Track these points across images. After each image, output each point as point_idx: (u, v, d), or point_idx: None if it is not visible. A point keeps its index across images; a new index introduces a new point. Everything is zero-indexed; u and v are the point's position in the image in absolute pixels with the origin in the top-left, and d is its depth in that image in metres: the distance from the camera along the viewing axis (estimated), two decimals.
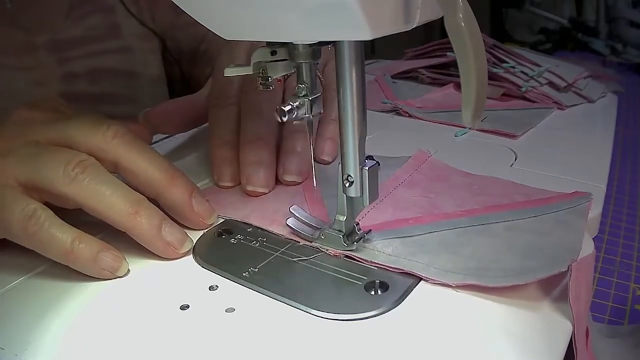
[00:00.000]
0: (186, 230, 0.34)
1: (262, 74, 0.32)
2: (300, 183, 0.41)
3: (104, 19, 0.65)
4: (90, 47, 0.63)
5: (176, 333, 0.27)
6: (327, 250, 0.33)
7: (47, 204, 0.32)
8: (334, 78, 0.30)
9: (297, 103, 0.32)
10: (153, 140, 0.48)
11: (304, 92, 0.32)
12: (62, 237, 0.30)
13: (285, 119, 0.31)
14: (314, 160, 0.36)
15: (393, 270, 0.30)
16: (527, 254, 0.30)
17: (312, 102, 0.32)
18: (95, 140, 0.33)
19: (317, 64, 0.43)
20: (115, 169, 0.34)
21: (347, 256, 0.32)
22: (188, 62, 0.73)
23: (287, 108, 0.31)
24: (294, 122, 0.32)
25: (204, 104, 0.47)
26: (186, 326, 0.28)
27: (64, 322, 0.28)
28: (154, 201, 0.34)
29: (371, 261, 0.31)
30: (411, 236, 0.33)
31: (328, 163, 0.45)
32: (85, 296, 0.30)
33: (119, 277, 0.31)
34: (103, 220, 0.32)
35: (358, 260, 0.32)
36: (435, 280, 0.29)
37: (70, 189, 0.31)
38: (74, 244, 0.30)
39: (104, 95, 0.64)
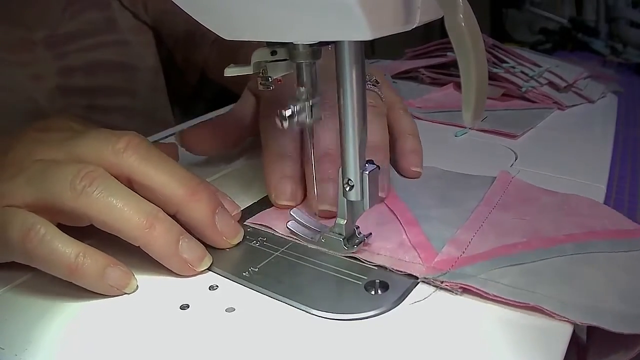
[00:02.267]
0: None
1: (263, 74, 0.32)
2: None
3: (100, 14, 0.65)
4: (87, 42, 0.63)
5: (176, 333, 0.27)
6: (442, 283, 0.30)
7: (59, 226, 0.30)
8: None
9: (297, 107, 0.31)
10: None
11: (304, 96, 0.31)
12: (66, 252, 0.29)
13: (286, 125, 0.30)
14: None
15: (516, 304, 0.28)
16: (633, 299, 0.29)
17: (313, 106, 0.31)
18: (105, 155, 0.31)
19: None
20: (130, 185, 0.31)
21: (463, 287, 0.29)
22: (185, 47, 0.72)
23: (288, 113, 0.30)
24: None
25: (244, 124, 0.44)
26: (186, 326, 0.28)
27: (64, 322, 0.28)
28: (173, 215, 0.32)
29: (493, 294, 0.29)
30: (524, 263, 0.31)
31: (419, 175, 0.42)
32: (85, 296, 0.30)
33: (127, 294, 0.30)
34: (99, 230, 0.30)
35: (479, 293, 0.29)
36: (560, 316, 0.27)
37: (78, 203, 0.29)
38: (78, 259, 0.29)
39: (101, 88, 0.64)
